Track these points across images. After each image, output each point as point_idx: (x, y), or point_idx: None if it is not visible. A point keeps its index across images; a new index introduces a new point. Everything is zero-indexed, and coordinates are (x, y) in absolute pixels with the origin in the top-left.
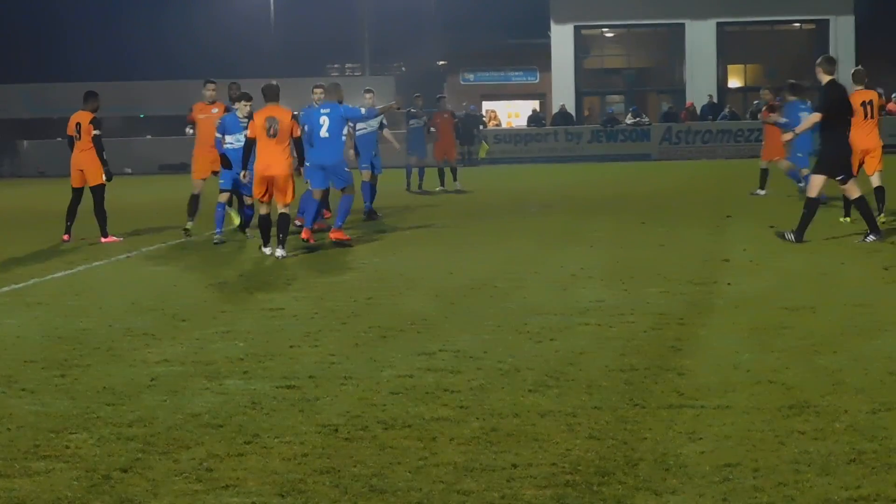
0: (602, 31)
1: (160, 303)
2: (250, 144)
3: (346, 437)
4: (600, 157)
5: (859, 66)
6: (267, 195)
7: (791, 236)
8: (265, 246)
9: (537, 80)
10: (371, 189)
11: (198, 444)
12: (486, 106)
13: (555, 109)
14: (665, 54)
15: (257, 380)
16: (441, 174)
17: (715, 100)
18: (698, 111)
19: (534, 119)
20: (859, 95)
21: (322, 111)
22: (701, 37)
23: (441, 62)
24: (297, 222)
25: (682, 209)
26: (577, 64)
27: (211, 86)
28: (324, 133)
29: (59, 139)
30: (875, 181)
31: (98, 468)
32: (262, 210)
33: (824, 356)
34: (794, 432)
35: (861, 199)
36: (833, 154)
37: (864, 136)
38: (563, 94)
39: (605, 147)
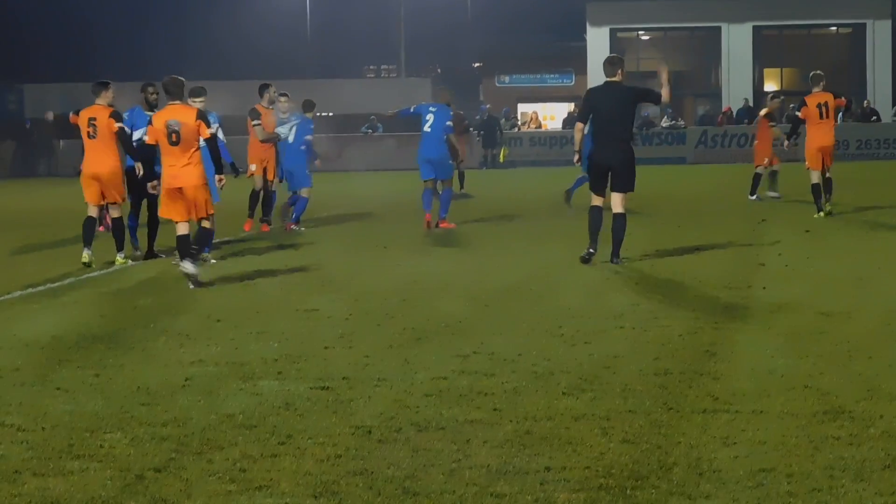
0: (638, 35)
1: (195, 303)
2: (151, 150)
3: (380, 439)
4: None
5: (818, 70)
6: (180, 212)
7: None
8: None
9: (573, 83)
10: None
11: (232, 445)
12: (522, 109)
13: None
14: (701, 58)
15: (291, 381)
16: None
17: (751, 103)
18: (734, 115)
19: (570, 121)
20: (815, 98)
21: (430, 109)
22: (738, 40)
23: (477, 64)
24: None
25: (717, 213)
26: None
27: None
28: (427, 129)
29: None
30: (820, 177)
31: (132, 468)
32: (181, 230)
33: (859, 362)
34: (828, 438)
35: None
36: None
37: (821, 136)
38: None
39: (640, 150)
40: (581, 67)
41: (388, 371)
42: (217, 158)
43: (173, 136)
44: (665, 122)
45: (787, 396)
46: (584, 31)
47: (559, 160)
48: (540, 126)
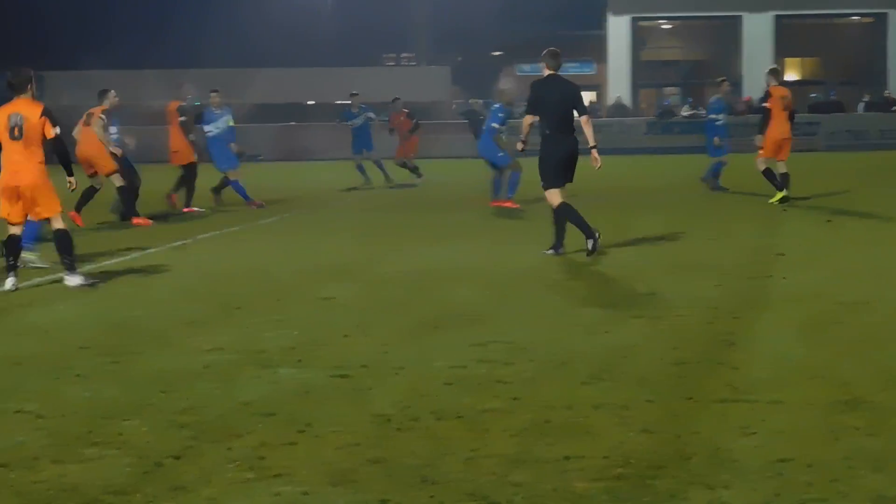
0: (659, 23)
1: (213, 291)
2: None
3: (398, 427)
4: (655, 150)
5: (776, 66)
6: (18, 213)
7: None
8: (9, 275)
9: (593, 72)
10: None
11: (249, 433)
12: None
13: (610, 101)
14: (722, 47)
15: (309, 369)
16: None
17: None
18: (754, 104)
19: (592, 111)
20: (779, 90)
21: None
22: (758, 29)
23: (497, 53)
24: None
25: (737, 202)
26: (633, 56)
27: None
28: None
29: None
30: (782, 168)
31: (150, 455)
32: (13, 230)
33: (879, 351)
34: (847, 428)
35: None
36: None
37: (783, 128)
38: (619, 85)
39: (660, 139)
40: (601, 56)
41: (406, 359)
42: (65, 159)
43: (15, 130)
44: (686, 112)
45: (806, 386)
46: (604, 20)
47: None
48: None
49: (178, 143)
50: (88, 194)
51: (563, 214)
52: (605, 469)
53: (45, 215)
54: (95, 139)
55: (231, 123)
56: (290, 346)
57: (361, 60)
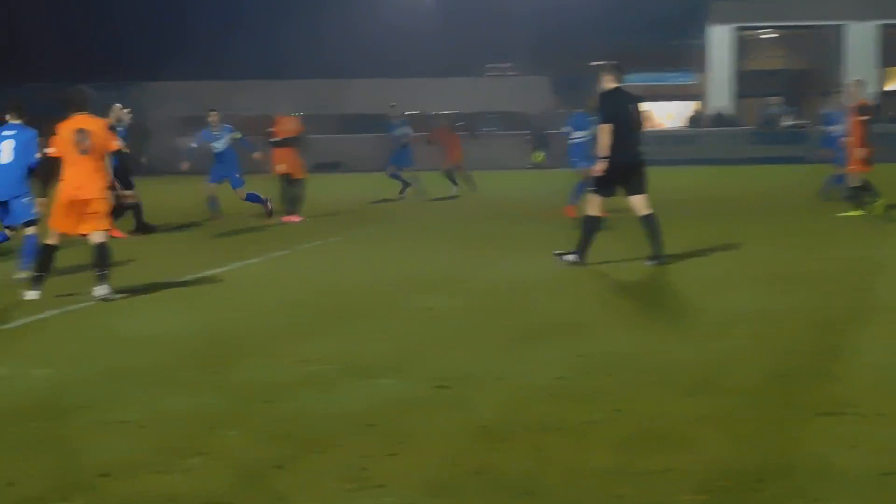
0: (760, 33)
1: (314, 301)
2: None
3: (499, 438)
4: (758, 160)
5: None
6: (69, 225)
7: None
8: (33, 289)
9: (693, 81)
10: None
11: (351, 443)
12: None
13: (711, 111)
14: (825, 56)
15: (410, 379)
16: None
17: (875, 102)
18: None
19: (696, 121)
20: (862, 102)
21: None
22: (862, 38)
23: (596, 62)
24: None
25: (836, 212)
26: (734, 65)
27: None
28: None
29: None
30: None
31: (252, 465)
32: (54, 240)
33: None
34: None
35: None
36: None
37: (866, 138)
38: (720, 95)
39: (761, 149)
40: (702, 65)
41: (507, 369)
42: (124, 173)
43: (82, 144)
44: (787, 122)
45: None
46: (705, 29)
47: (680, 158)
48: (657, 125)
49: (285, 156)
50: (125, 208)
51: (590, 225)
52: (707, 482)
53: (93, 230)
54: None
55: (237, 136)
56: (391, 357)
57: (463, 71)
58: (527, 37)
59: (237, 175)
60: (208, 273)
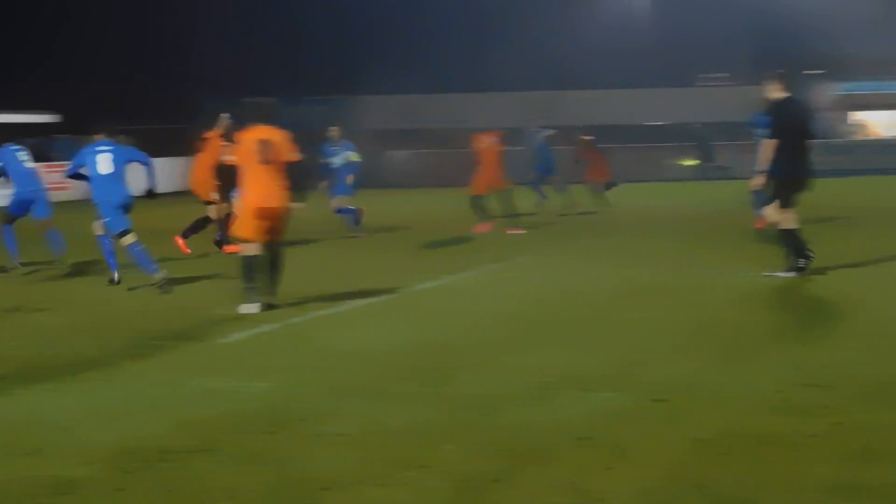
0: None
1: (528, 312)
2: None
3: (718, 452)
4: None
5: None
6: (263, 233)
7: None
8: (248, 302)
9: None
10: None
11: (568, 456)
12: (856, 116)
13: None
14: None
15: (627, 391)
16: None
17: None
18: None
19: None
20: None
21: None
22: None
23: (815, 71)
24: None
25: None
26: None
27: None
28: None
29: (422, 151)
30: None
31: (469, 479)
32: (255, 250)
33: None
34: None
35: None
36: None
37: None
38: None
39: None
40: None
41: (725, 382)
42: (301, 185)
43: (265, 154)
44: None
45: None
46: None
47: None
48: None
49: (487, 172)
50: (203, 223)
51: (789, 237)
52: None
53: (276, 238)
54: (205, 166)
55: (354, 158)
56: (607, 368)
57: (675, 81)
58: (743, 46)
59: (344, 189)
60: (421, 286)
